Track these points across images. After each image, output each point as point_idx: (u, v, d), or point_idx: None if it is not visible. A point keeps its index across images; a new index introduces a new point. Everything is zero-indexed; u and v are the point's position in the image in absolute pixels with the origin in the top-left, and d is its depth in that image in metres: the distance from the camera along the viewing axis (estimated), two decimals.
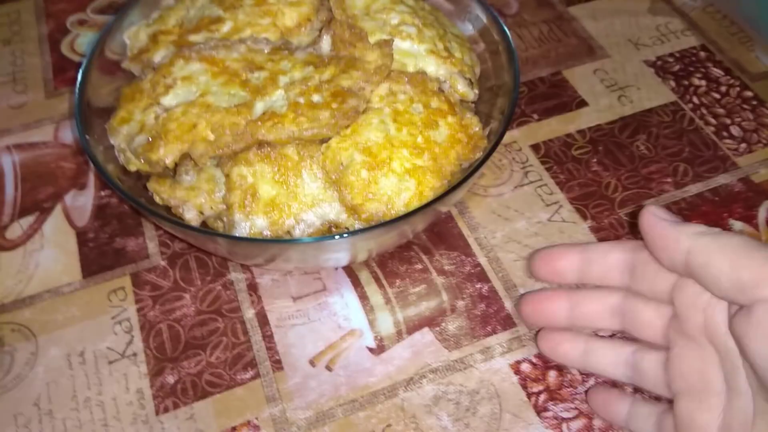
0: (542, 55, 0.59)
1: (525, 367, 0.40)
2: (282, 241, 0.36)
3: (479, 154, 0.39)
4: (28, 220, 0.48)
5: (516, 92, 0.40)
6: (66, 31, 0.62)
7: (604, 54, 0.59)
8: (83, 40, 0.61)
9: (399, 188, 0.37)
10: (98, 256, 0.45)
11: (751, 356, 0.23)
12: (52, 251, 0.46)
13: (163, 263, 0.45)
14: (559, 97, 0.55)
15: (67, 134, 0.53)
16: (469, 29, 0.49)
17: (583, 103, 0.55)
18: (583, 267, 0.33)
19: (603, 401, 0.35)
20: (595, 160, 0.51)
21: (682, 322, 0.28)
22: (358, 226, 0.38)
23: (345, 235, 0.34)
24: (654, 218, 0.28)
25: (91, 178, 0.50)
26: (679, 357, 0.28)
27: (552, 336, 0.37)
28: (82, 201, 0.48)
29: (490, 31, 0.46)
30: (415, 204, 0.37)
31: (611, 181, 0.49)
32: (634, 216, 0.47)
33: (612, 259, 0.32)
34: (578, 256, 0.33)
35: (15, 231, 0.47)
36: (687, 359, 0.28)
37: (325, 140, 0.38)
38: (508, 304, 0.43)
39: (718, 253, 0.25)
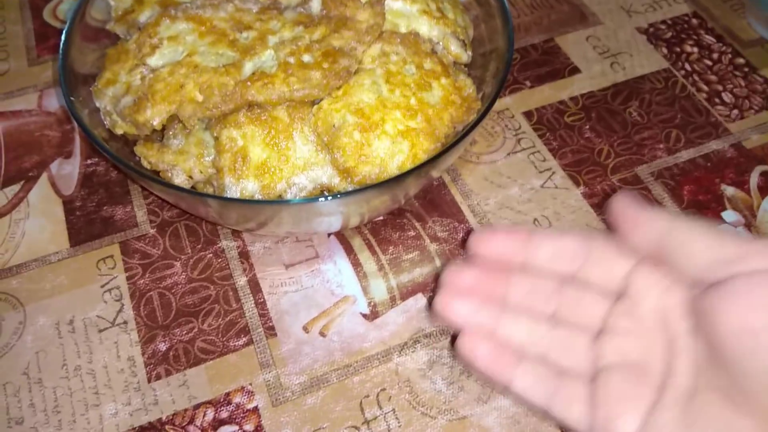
0: (534, 22, 0.58)
1: None
2: (274, 203, 0.35)
3: (473, 117, 0.39)
4: (13, 189, 0.47)
5: (510, 54, 0.39)
6: None
7: (596, 21, 0.58)
8: (66, 7, 0.59)
9: (392, 150, 0.37)
10: (86, 225, 0.45)
11: (717, 328, 0.23)
12: (39, 220, 0.45)
13: (152, 231, 0.44)
14: (551, 64, 0.55)
15: (52, 102, 0.52)
16: None
17: (575, 70, 0.54)
18: (532, 247, 0.30)
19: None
20: (587, 126, 0.50)
21: (634, 304, 0.27)
22: (350, 189, 0.37)
23: (337, 196, 0.34)
24: (627, 200, 0.28)
25: (77, 146, 0.49)
26: (619, 337, 0.27)
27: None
28: (68, 169, 0.47)
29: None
30: (409, 166, 0.37)
31: (604, 147, 0.49)
32: (626, 182, 0.47)
33: (565, 243, 0.30)
34: (527, 236, 0.31)
35: (0, 200, 0.46)
36: (629, 339, 0.27)
37: (316, 102, 0.37)
38: None
39: (697, 232, 0.25)
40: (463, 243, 0.44)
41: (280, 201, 0.36)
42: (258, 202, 0.36)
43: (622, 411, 0.26)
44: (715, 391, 0.24)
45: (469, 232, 0.44)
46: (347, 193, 0.35)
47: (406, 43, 0.39)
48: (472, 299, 0.30)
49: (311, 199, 0.35)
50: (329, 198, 0.33)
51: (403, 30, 0.40)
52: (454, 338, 0.34)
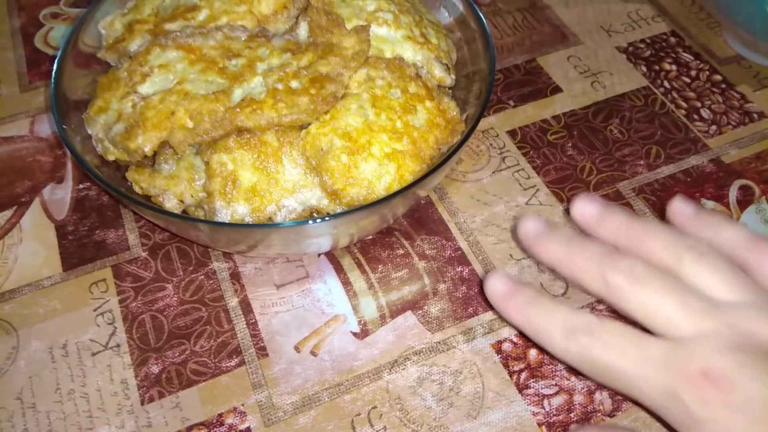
0: (517, 43, 0.60)
1: (506, 347, 0.41)
2: (264, 226, 0.36)
3: (457, 138, 0.40)
4: (5, 215, 0.47)
5: (492, 76, 0.40)
6: (39, 25, 0.61)
7: (577, 41, 0.60)
8: (57, 33, 0.60)
9: (379, 172, 0.37)
10: (78, 249, 0.45)
11: None
12: (31, 245, 0.45)
13: (144, 254, 0.45)
14: (534, 84, 0.56)
15: (44, 128, 0.52)
16: (445, 17, 0.49)
17: (557, 89, 0.56)
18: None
19: None
20: (570, 144, 0.52)
21: None
22: (339, 210, 0.38)
23: (326, 219, 0.34)
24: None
25: (69, 171, 0.49)
26: None
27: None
28: (61, 194, 0.48)
29: (466, 19, 0.47)
30: (396, 187, 0.37)
31: (586, 164, 0.50)
32: (608, 198, 0.48)
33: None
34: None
35: None
36: None
37: (304, 126, 0.38)
38: None
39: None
40: (451, 260, 0.45)
41: (270, 224, 0.37)
42: (248, 225, 0.36)
43: None
44: None
45: (456, 249, 0.45)
46: (336, 215, 0.36)
47: (391, 68, 0.40)
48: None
49: (301, 221, 0.36)
50: (318, 220, 0.34)
51: (388, 55, 0.42)
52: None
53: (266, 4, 0.42)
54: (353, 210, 0.35)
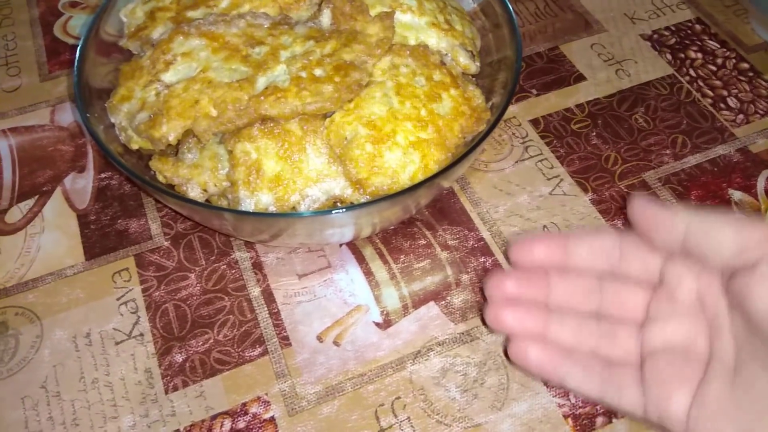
0: (539, 30, 0.59)
1: None
2: (287, 216, 0.36)
3: (482, 127, 0.39)
4: (27, 204, 0.47)
5: (519, 64, 0.40)
6: (58, 14, 0.61)
7: (600, 28, 0.59)
8: (76, 23, 0.60)
9: (404, 161, 0.37)
10: (100, 238, 0.45)
11: (752, 308, 0.24)
12: (54, 234, 0.45)
13: (166, 244, 0.45)
14: (557, 72, 0.55)
15: (64, 117, 0.52)
16: (469, 3, 0.48)
17: (581, 78, 0.55)
18: (568, 250, 0.32)
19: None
20: (594, 133, 0.51)
21: (672, 291, 0.29)
22: (363, 200, 0.38)
23: (350, 209, 0.34)
24: (644, 203, 0.29)
25: (90, 161, 0.49)
26: (662, 322, 0.29)
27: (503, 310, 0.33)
28: (82, 183, 0.48)
29: (491, 5, 0.46)
30: (420, 177, 0.37)
31: (611, 154, 0.50)
32: (634, 188, 0.48)
33: (600, 241, 0.31)
34: (562, 241, 0.32)
35: (15, 215, 0.47)
36: (671, 323, 0.29)
37: (328, 114, 0.38)
38: None
39: (720, 222, 0.26)
40: (473, 251, 0.44)
41: (293, 214, 0.36)
42: (271, 215, 0.36)
43: (673, 390, 0.27)
44: (758, 362, 0.25)
45: (479, 240, 0.45)
46: (359, 206, 0.35)
47: (415, 55, 0.40)
48: (519, 308, 0.31)
49: (324, 211, 0.36)
50: (343, 210, 0.34)
51: (412, 42, 0.41)
52: (506, 349, 0.35)
53: None
54: (376, 200, 0.35)
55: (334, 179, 0.38)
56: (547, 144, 0.50)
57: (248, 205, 0.37)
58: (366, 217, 0.37)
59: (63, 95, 0.54)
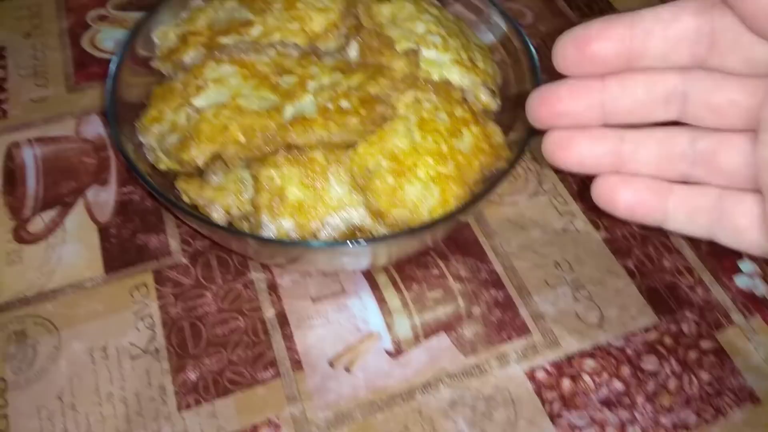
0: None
1: (540, 375, 0.41)
2: (307, 245, 0.37)
3: (501, 164, 0.40)
4: (50, 214, 0.48)
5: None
6: (86, 26, 0.62)
7: None
8: (104, 36, 0.61)
9: (424, 195, 0.38)
10: (120, 252, 0.46)
11: None
12: (75, 246, 0.46)
13: (184, 261, 0.46)
14: None
15: (89, 129, 0.53)
16: (489, 37, 0.50)
17: None
18: (635, 44, 0.23)
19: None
20: None
21: None
22: (382, 230, 0.38)
23: (371, 242, 0.35)
24: None
25: (113, 174, 0.50)
26: None
27: (564, 136, 0.26)
28: (104, 197, 0.49)
29: (511, 41, 0.47)
30: (439, 211, 0.38)
31: None
32: (646, 228, 0.48)
33: (681, 27, 0.22)
34: (627, 31, 0.23)
35: (37, 224, 0.47)
36: None
37: (352, 145, 0.39)
38: (524, 312, 0.44)
39: None
40: (485, 283, 0.45)
41: (313, 243, 0.37)
42: (292, 243, 0.37)
43: None
44: None
45: (491, 272, 0.45)
46: (379, 239, 0.36)
47: (438, 91, 0.41)
48: (588, 132, 0.25)
49: (344, 242, 0.36)
50: (363, 243, 0.35)
51: (435, 78, 0.42)
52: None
53: (318, 23, 0.43)
54: (395, 235, 0.36)
55: (355, 208, 0.39)
56: (561, 180, 0.51)
57: (270, 230, 0.38)
58: (383, 249, 0.38)
59: (89, 107, 0.55)
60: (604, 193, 0.26)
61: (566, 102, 0.25)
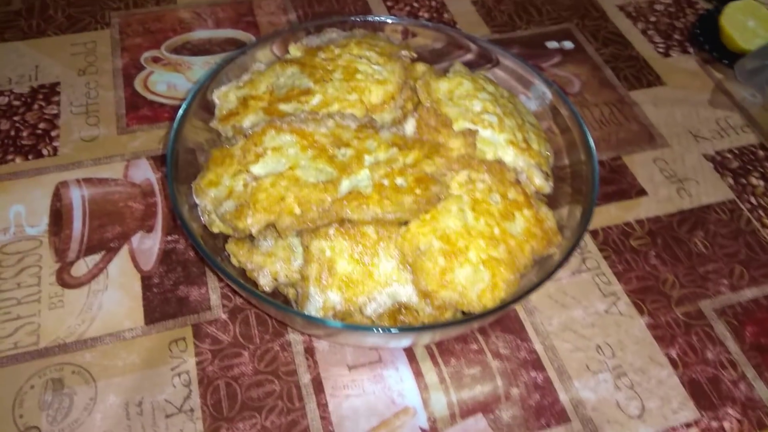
0: (603, 138, 0.60)
1: None
2: (353, 328, 0.36)
3: (553, 250, 0.40)
4: (93, 259, 0.48)
5: (593, 202, 0.40)
6: (140, 67, 0.63)
7: (664, 143, 0.60)
8: (157, 78, 0.62)
9: (473, 279, 0.38)
10: (161, 303, 0.46)
11: None
12: (116, 293, 0.47)
13: (224, 317, 0.46)
14: (618, 183, 0.56)
15: (137, 173, 0.54)
16: (536, 105, 0.50)
17: (642, 192, 0.55)
18: None
19: None
20: (653, 253, 0.51)
21: None
22: (428, 310, 0.38)
23: (418, 330, 0.35)
24: None
25: (159, 221, 0.51)
26: None
27: None
28: (149, 244, 0.49)
29: (558, 110, 0.48)
30: (488, 296, 0.37)
31: (669, 276, 0.50)
32: (690, 316, 0.47)
33: None
34: None
35: (80, 268, 0.48)
36: None
37: (404, 222, 0.39)
38: (563, 397, 0.43)
39: None
40: (525, 363, 0.44)
41: (358, 327, 0.37)
42: (342, 326, 0.36)
43: None
44: None
45: (531, 352, 0.45)
46: (428, 327, 0.36)
47: (492, 171, 0.41)
48: None
49: (401, 328, 0.36)
50: (413, 331, 0.34)
51: (489, 157, 0.42)
52: None
53: (376, 95, 0.43)
54: (445, 324, 0.36)
55: (402, 285, 0.38)
56: (605, 258, 0.51)
57: (317, 301, 0.38)
58: (429, 334, 0.38)
59: (138, 150, 0.56)
60: None
61: None
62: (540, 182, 0.42)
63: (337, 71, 0.43)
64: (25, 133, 0.57)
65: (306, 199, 0.37)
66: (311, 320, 0.36)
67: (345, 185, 0.38)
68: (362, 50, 0.46)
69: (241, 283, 0.37)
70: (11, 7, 0.69)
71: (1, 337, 0.44)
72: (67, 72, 0.63)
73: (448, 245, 0.38)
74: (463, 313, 0.38)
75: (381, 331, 0.35)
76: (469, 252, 0.38)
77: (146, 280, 0.48)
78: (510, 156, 0.42)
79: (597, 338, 0.46)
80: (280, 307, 0.36)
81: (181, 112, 0.43)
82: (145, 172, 0.54)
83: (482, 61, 0.53)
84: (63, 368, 0.43)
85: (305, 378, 0.43)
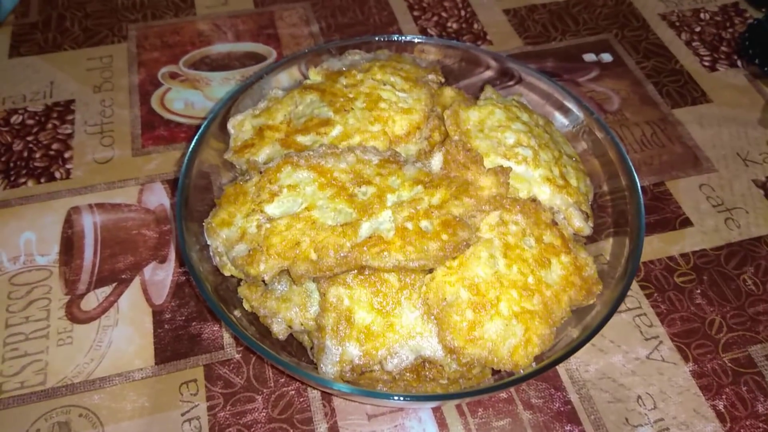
0: (644, 161, 0.56)
1: None
2: (374, 395, 0.34)
3: (592, 300, 0.37)
4: (104, 291, 0.46)
5: (639, 249, 0.37)
6: (157, 83, 0.61)
7: (710, 167, 0.55)
8: (174, 96, 0.60)
9: (505, 334, 0.34)
10: (173, 341, 0.44)
11: None
12: (127, 329, 0.45)
13: (237, 357, 0.43)
14: (661, 212, 0.52)
15: (152, 198, 0.52)
16: (569, 126, 0.46)
17: (687, 222, 0.51)
18: None
19: None
20: (699, 291, 0.47)
21: None
22: (454, 367, 0.35)
23: (443, 398, 0.32)
24: None
25: (173, 251, 0.49)
26: None
27: None
28: (162, 276, 0.47)
29: (593, 132, 0.44)
30: (521, 352, 0.34)
31: (716, 318, 0.46)
32: (738, 363, 0.44)
33: None
34: None
35: (90, 302, 0.46)
36: None
37: (429, 269, 0.36)
38: None
39: None
40: (559, 415, 0.41)
41: (376, 393, 0.34)
42: (357, 391, 0.34)
43: None
44: None
45: (566, 402, 0.41)
46: (456, 395, 0.33)
47: (525, 211, 0.37)
48: None
49: (421, 396, 0.33)
50: (436, 398, 0.31)
51: (523, 194, 0.39)
52: None
53: (400, 125, 0.40)
54: (474, 392, 0.33)
55: (426, 339, 0.35)
56: (647, 296, 0.47)
57: (334, 354, 0.35)
58: (454, 401, 0.35)
59: (153, 174, 0.54)
60: None
61: None
62: (579, 224, 0.39)
63: (359, 99, 0.41)
64: (38, 155, 0.55)
65: (323, 244, 0.34)
66: (323, 384, 0.34)
67: (365, 228, 0.35)
68: (386, 75, 0.43)
69: (253, 341, 0.34)
70: (28, 19, 0.68)
71: (7, 376, 0.42)
72: (83, 89, 0.61)
73: (477, 296, 0.35)
74: (494, 370, 0.35)
75: (401, 399, 0.32)
76: (500, 304, 0.35)
77: (158, 315, 0.45)
78: (546, 194, 0.39)
79: (637, 388, 0.42)
80: (291, 369, 0.34)
81: (189, 151, 0.40)
82: (159, 198, 0.52)
83: (506, 80, 0.49)
84: (70, 411, 0.41)
85: (321, 427, 0.40)
